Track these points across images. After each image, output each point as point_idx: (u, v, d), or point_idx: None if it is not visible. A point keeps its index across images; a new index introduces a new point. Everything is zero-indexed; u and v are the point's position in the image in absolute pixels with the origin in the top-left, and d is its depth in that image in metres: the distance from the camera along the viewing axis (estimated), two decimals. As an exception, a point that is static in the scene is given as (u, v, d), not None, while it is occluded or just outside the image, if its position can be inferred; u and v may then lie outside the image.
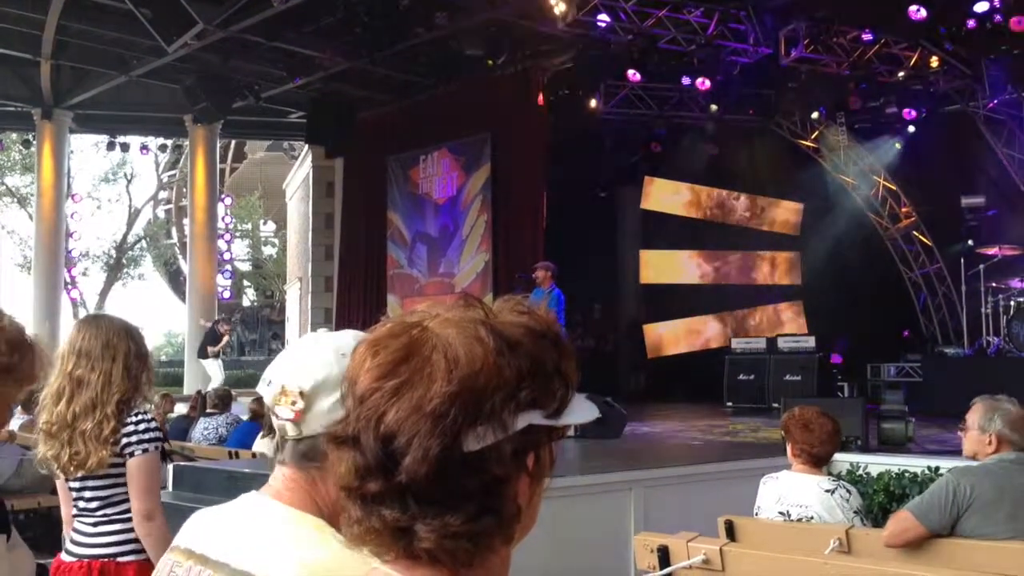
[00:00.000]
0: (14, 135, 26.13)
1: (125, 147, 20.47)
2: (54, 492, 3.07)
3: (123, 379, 2.82)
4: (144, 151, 21.69)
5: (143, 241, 35.51)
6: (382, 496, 0.90)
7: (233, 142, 30.96)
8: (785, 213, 16.86)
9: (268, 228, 36.06)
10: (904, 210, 15.65)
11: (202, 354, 15.43)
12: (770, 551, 3.47)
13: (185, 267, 23.82)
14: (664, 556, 3.52)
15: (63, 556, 2.88)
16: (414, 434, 0.87)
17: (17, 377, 1.87)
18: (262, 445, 1.51)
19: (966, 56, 12.47)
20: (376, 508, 0.90)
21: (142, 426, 2.83)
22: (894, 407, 7.77)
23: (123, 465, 2.82)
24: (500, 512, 0.91)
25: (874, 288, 15.27)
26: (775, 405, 9.84)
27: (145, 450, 2.82)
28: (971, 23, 11.49)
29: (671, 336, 16.41)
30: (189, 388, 16.31)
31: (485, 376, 0.89)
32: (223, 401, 9.19)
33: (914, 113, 13.63)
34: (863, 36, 12.61)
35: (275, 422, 1.44)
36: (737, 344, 12.86)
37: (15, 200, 32.23)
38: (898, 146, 14.53)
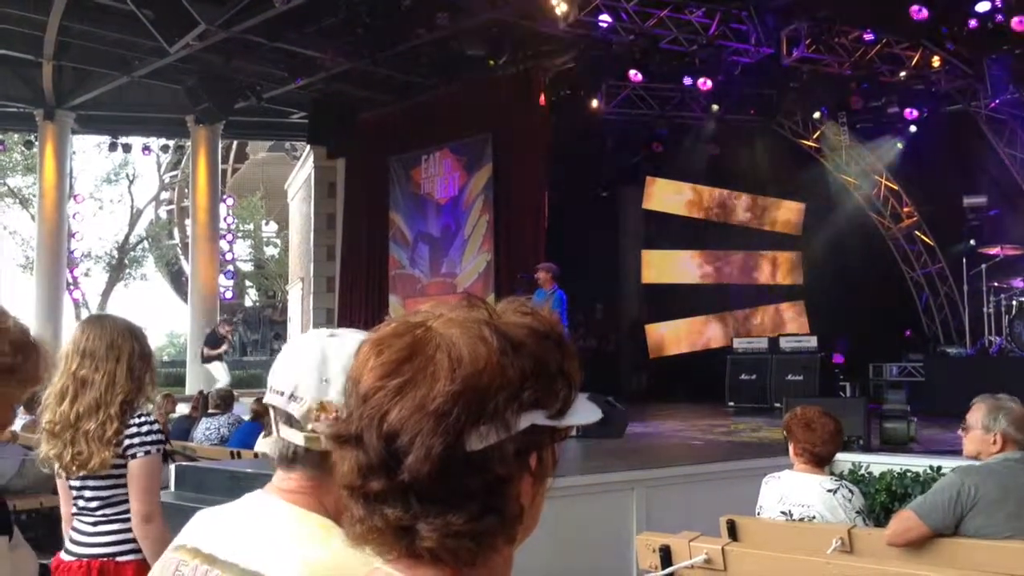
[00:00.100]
0: (16, 136, 26.15)
1: (127, 148, 20.51)
2: (56, 492, 3.07)
3: (127, 380, 2.82)
4: (146, 152, 21.71)
5: (145, 242, 35.54)
6: (385, 495, 0.90)
7: (235, 143, 31.00)
8: (787, 213, 16.86)
9: (270, 228, 36.09)
10: (906, 210, 15.64)
11: (204, 359, 15.43)
12: (772, 551, 3.47)
13: (187, 267, 23.86)
14: (666, 556, 3.52)
15: (62, 555, 2.88)
16: (417, 433, 0.88)
17: (21, 378, 1.88)
18: (264, 445, 1.52)
19: (968, 56, 12.46)
20: (378, 507, 0.90)
21: (144, 428, 2.84)
22: (896, 407, 7.77)
23: (124, 466, 2.82)
24: (503, 512, 0.92)
25: (876, 288, 15.26)
26: (777, 405, 9.83)
27: (147, 452, 2.83)
28: (973, 23, 11.48)
29: (673, 336, 16.40)
30: (191, 388, 16.32)
31: (488, 376, 0.89)
32: (225, 401, 9.20)
33: (916, 113, 13.62)
34: (865, 36, 12.61)
35: (294, 434, 1.41)
36: (739, 344, 12.85)
37: (17, 201, 32.26)
38: (900, 146, 14.52)
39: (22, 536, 1.96)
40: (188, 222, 23.68)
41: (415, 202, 15.80)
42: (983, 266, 11.91)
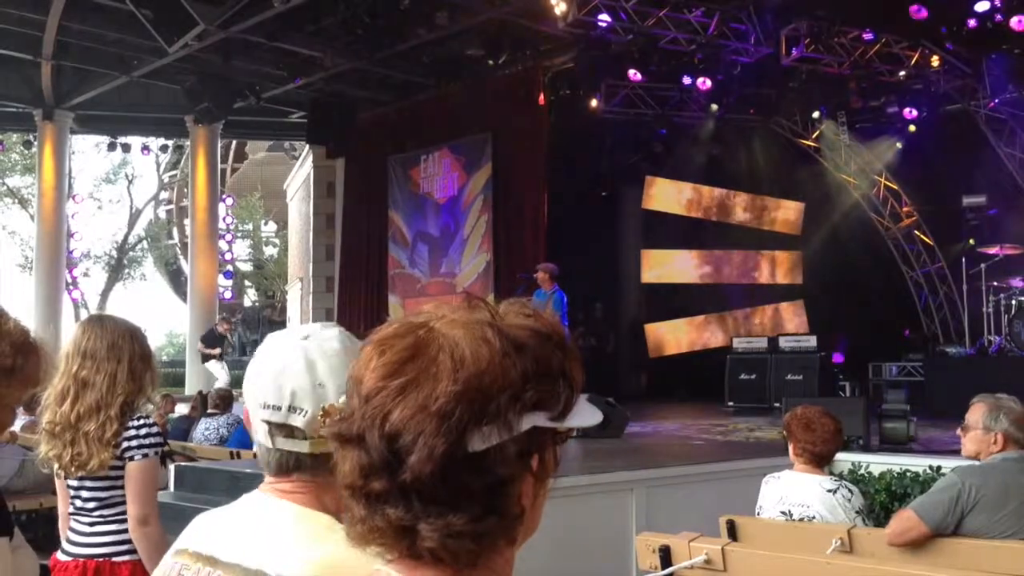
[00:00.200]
0: (15, 136, 26.15)
1: (126, 148, 20.48)
2: (55, 493, 3.08)
3: (128, 381, 2.82)
4: (145, 152, 21.69)
5: (144, 241, 35.53)
6: (386, 495, 0.90)
7: (234, 142, 30.99)
8: (786, 212, 16.86)
9: (269, 228, 36.08)
10: (905, 209, 15.64)
11: (202, 358, 15.43)
12: (772, 551, 3.47)
13: (186, 267, 23.84)
14: (666, 556, 3.52)
15: (59, 555, 2.88)
16: (419, 433, 0.88)
17: (21, 379, 1.88)
18: (259, 458, 1.51)
19: (967, 55, 12.47)
20: (380, 507, 0.90)
21: (143, 430, 2.84)
22: (896, 406, 7.75)
23: (122, 467, 2.82)
24: (504, 513, 0.92)
25: (875, 288, 15.27)
26: (776, 405, 9.84)
27: (145, 455, 2.83)
28: (972, 22, 11.48)
29: (672, 336, 16.40)
30: (191, 389, 16.32)
31: (491, 377, 0.89)
32: (224, 401, 9.20)
33: (915, 112, 13.63)
34: (864, 35, 12.61)
35: (297, 444, 1.40)
36: (738, 344, 12.85)
37: (16, 201, 32.25)
38: (899, 145, 14.52)
39: (22, 537, 1.96)
40: (187, 222, 23.67)
41: (414, 202, 15.80)
42: (982, 266, 11.92)
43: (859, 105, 13.86)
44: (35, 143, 18.61)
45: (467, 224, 14.82)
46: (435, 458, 0.87)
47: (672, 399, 13.94)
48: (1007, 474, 3.67)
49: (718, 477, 5.99)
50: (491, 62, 13.64)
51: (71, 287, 24.13)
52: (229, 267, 28.27)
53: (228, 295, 27.60)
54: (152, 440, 2.85)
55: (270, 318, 30.43)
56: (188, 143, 20.12)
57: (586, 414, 0.96)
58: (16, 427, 6.65)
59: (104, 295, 33.57)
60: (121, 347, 2.84)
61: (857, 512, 4.04)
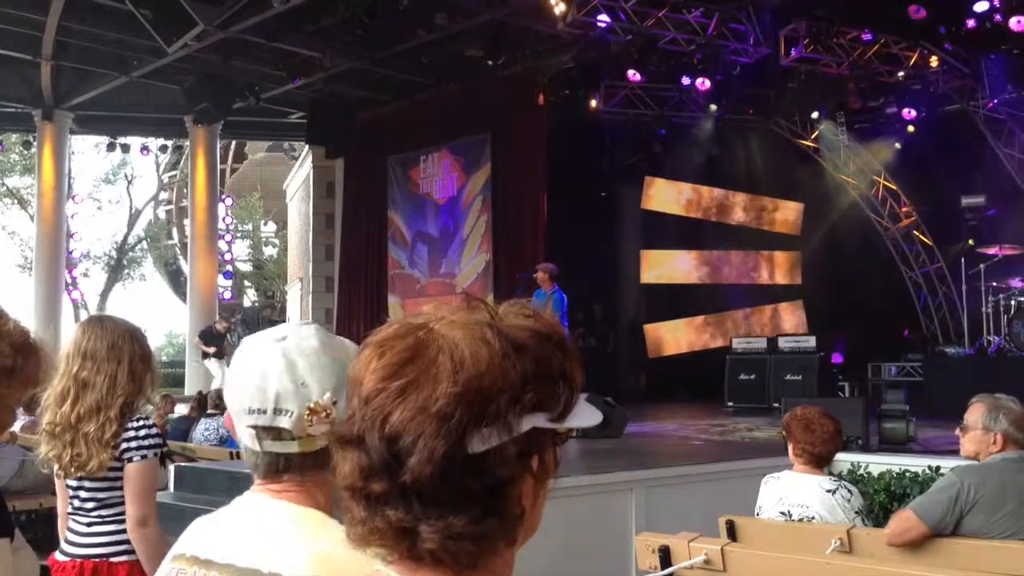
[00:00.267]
0: (14, 136, 26.13)
1: (125, 148, 20.49)
2: (55, 493, 3.08)
3: (128, 382, 2.82)
4: (144, 152, 21.70)
5: (144, 242, 35.52)
6: (386, 496, 0.90)
7: (233, 143, 30.97)
8: (785, 213, 16.86)
9: (269, 228, 36.07)
10: (904, 210, 15.65)
11: (202, 355, 15.44)
12: (771, 551, 3.47)
13: (186, 268, 23.82)
14: (665, 556, 3.52)
15: (57, 555, 2.88)
16: (419, 434, 0.88)
17: (21, 380, 1.88)
18: (248, 463, 1.52)
19: (966, 56, 12.48)
20: (380, 508, 0.90)
21: (143, 432, 2.83)
22: (895, 406, 7.76)
23: (121, 468, 2.82)
24: (504, 514, 0.92)
25: (874, 288, 15.29)
26: (776, 405, 9.84)
27: (144, 456, 2.83)
28: (971, 23, 11.49)
29: (672, 336, 16.40)
30: (190, 389, 16.31)
31: (491, 378, 0.89)
32: (224, 402, 9.18)
33: (914, 113, 13.63)
34: (863, 36, 12.62)
35: (286, 445, 1.41)
36: (738, 344, 12.85)
37: (16, 201, 32.25)
38: (898, 146, 14.54)
39: (23, 538, 1.96)
40: (187, 222, 23.66)
41: (414, 202, 15.80)
42: (981, 266, 11.92)
43: (858, 105, 13.87)
44: (34, 143, 18.60)
45: (466, 224, 14.83)
46: (435, 460, 0.87)
47: (672, 399, 13.94)
48: (1005, 474, 3.67)
49: (717, 477, 5.99)
50: (490, 62, 13.64)
51: (71, 287, 24.13)
52: (229, 267, 28.25)
53: (228, 295, 27.58)
54: (151, 441, 2.85)
55: (270, 318, 30.39)
56: (187, 143, 20.11)
57: (586, 414, 0.96)
58: (16, 427, 6.65)
59: (104, 295, 33.57)
60: (121, 348, 2.84)
61: (856, 512, 4.04)
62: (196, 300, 18.24)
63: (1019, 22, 11.06)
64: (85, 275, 31.70)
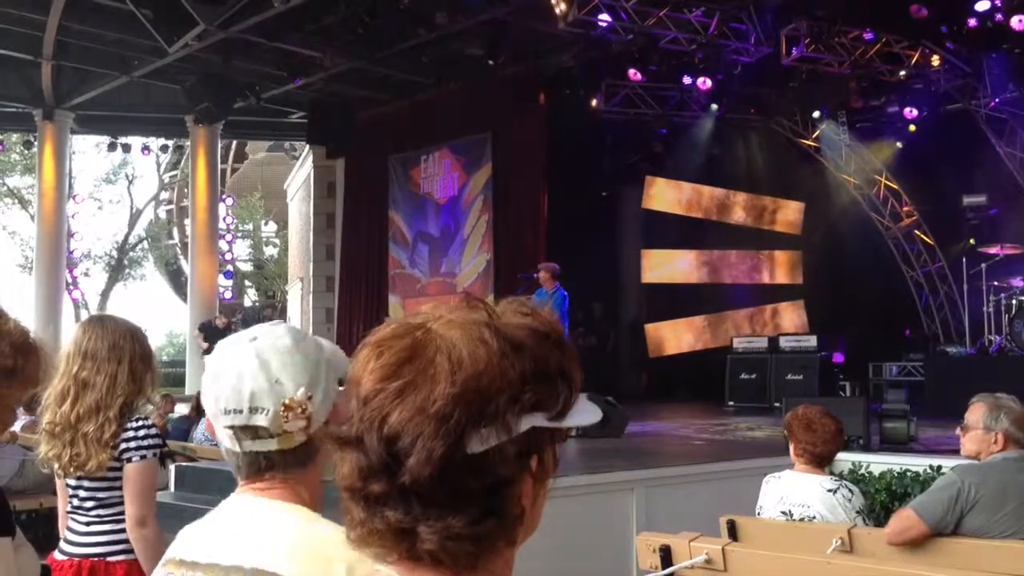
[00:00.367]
0: (15, 136, 26.14)
1: (126, 148, 20.49)
2: (56, 493, 3.08)
3: (128, 382, 2.82)
4: (145, 152, 21.69)
5: (144, 242, 35.55)
6: (385, 497, 0.89)
7: (234, 142, 30.99)
8: (786, 212, 16.86)
9: (269, 228, 36.09)
10: (905, 209, 15.64)
11: (202, 350, 15.46)
12: (772, 551, 3.47)
13: (186, 267, 23.84)
14: (666, 556, 3.52)
15: (56, 555, 2.89)
16: (418, 435, 0.87)
17: (21, 380, 1.88)
18: (229, 464, 1.54)
19: (967, 55, 12.48)
20: (379, 509, 0.90)
21: (142, 432, 2.83)
22: (896, 406, 7.76)
23: (120, 468, 2.82)
24: (503, 514, 0.91)
25: (875, 287, 15.27)
26: (777, 404, 9.83)
27: (143, 456, 2.83)
28: (972, 22, 11.49)
29: (673, 335, 16.39)
30: (191, 389, 16.32)
31: (489, 378, 0.89)
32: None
33: (915, 112, 13.63)
34: (864, 35, 12.61)
35: (264, 443, 1.42)
36: (739, 343, 12.85)
37: (16, 201, 32.26)
38: (899, 145, 14.53)
39: (23, 536, 1.96)
40: (187, 222, 23.67)
41: (414, 202, 15.80)
42: (983, 265, 11.90)
43: (859, 105, 13.86)
44: (35, 143, 18.61)
45: (467, 224, 14.83)
46: (434, 460, 0.87)
47: (672, 399, 13.93)
48: (1006, 473, 3.66)
49: (718, 477, 5.99)
50: (491, 62, 13.63)
51: (71, 287, 24.15)
52: (229, 267, 28.28)
53: (228, 295, 27.60)
54: (151, 441, 2.85)
55: (270, 318, 30.41)
56: (188, 143, 20.12)
57: (585, 413, 0.96)
58: (17, 427, 6.65)
59: (104, 295, 33.59)
60: (122, 348, 2.84)
61: (858, 512, 4.04)
62: (197, 300, 18.25)
63: (1020, 21, 11.05)
64: (86, 275, 31.74)
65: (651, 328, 16.19)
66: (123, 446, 2.80)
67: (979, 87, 12.97)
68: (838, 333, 13.71)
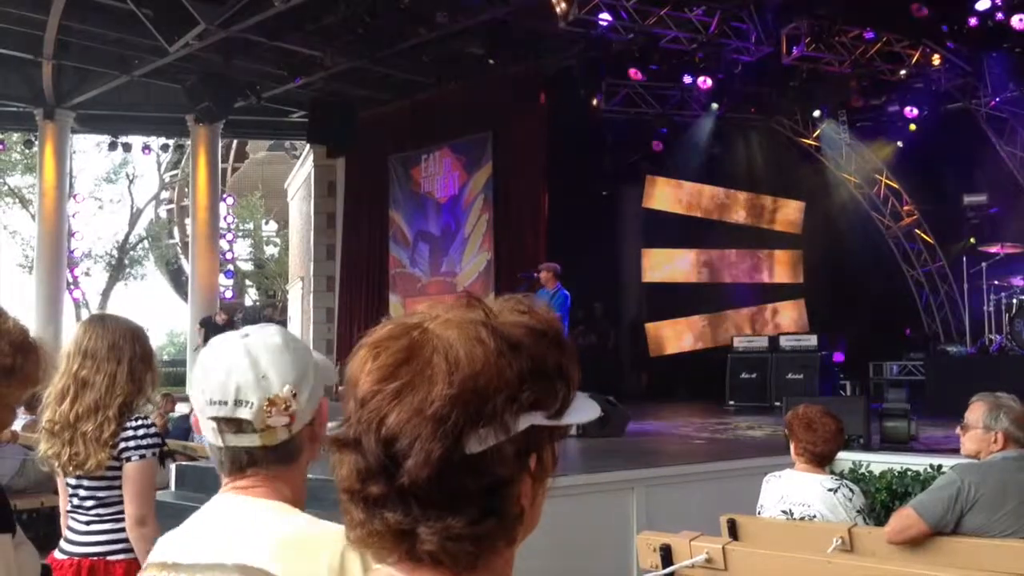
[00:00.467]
0: (16, 135, 26.15)
1: (127, 147, 20.48)
2: (56, 492, 3.08)
3: (127, 381, 2.82)
4: (146, 151, 21.69)
5: (145, 241, 35.56)
6: (384, 499, 0.89)
7: (235, 142, 30.99)
8: (787, 211, 16.86)
9: (270, 228, 36.09)
10: (906, 208, 15.64)
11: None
12: (773, 550, 3.47)
13: (187, 267, 23.85)
14: (667, 555, 3.52)
15: (56, 554, 2.89)
16: (416, 437, 0.87)
17: (20, 379, 1.88)
18: (213, 460, 1.57)
19: (968, 54, 12.47)
20: (378, 511, 0.90)
21: (141, 431, 2.84)
22: (896, 405, 7.75)
23: (120, 468, 2.82)
24: (503, 514, 0.91)
25: (876, 286, 15.27)
26: (777, 404, 9.83)
27: (142, 456, 2.83)
28: (973, 21, 11.48)
29: (673, 335, 16.39)
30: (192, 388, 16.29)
31: (486, 378, 0.89)
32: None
33: (916, 111, 13.62)
34: (865, 34, 12.61)
35: (247, 438, 1.44)
36: (739, 343, 12.84)
37: (17, 200, 32.26)
38: (899, 144, 14.52)
39: (24, 534, 1.97)
40: (188, 221, 23.68)
41: (415, 201, 15.80)
42: (983, 264, 11.90)
43: (860, 104, 13.86)
44: (36, 143, 18.61)
45: (468, 223, 14.82)
46: (432, 462, 0.87)
47: (673, 398, 13.93)
48: (1006, 473, 3.66)
49: (719, 476, 5.99)
50: (492, 61, 13.63)
51: (72, 287, 24.15)
52: (230, 266, 28.28)
53: (229, 294, 27.61)
54: (150, 441, 2.85)
55: (271, 317, 30.42)
56: (189, 142, 20.12)
57: (584, 410, 0.96)
58: (16, 426, 6.66)
59: (105, 295, 33.59)
60: (122, 347, 2.84)
61: (858, 512, 4.04)
62: (197, 299, 18.25)
63: (1021, 20, 11.05)
64: (86, 274, 31.75)
65: (651, 327, 16.19)
66: (122, 445, 2.80)
67: (980, 86, 12.97)
68: (838, 332, 13.70)
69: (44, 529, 5.24)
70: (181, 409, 11.12)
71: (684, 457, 6.84)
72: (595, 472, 5.47)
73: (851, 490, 4.10)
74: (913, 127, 13.86)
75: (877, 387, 13.30)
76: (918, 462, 5.90)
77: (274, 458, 1.45)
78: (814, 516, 3.99)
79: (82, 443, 2.75)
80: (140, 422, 2.85)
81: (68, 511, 2.92)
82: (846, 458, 5.99)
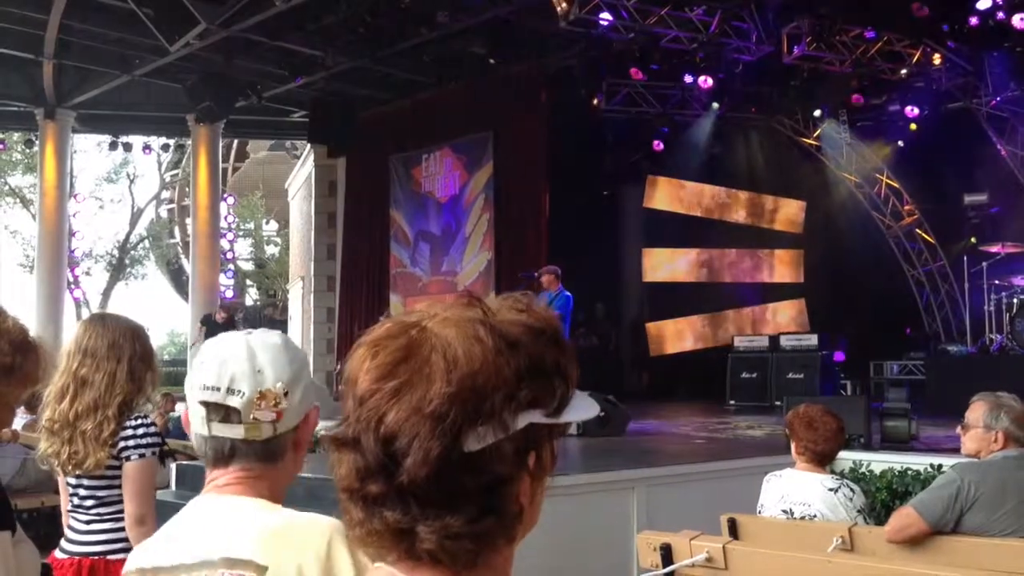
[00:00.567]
0: (16, 135, 26.15)
1: (128, 147, 20.47)
2: (57, 491, 3.09)
3: (127, 380, 2.82)
4: (146, 151, 21.68)
5: (146, 241, 35.56)
6: (383, 498, 0.90)
7: (235, 141, 30.98)
8: (788, 211, 16.85)
9: (271, 227, 36.10)
10: (907, 208, 15.64)
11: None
12: (773, 549, 3.47)
13: (188, 266, 23.85)
14: (667, 554, 3.52)
15: (57, 553, 2.89)
16: (414, 435, 0.87)
17: (20, 378, 1.88)
18: (198, 449, 1.60)
19: (968, 53, 12.47)
20: (377, 510, 0.90)
21: (141, 430, 2.83)
22: (897, 405, 7.76)
23: (119, 467, 2.82)
24: (502, 512, 0.91)
25: (876, 286, 15.27)
26: (778, 403, 9.82)
27: (142, 455, 2.83)
28: (973, 20, 11.48)
29: (674, 334, 16.40)
30: (192, 387, 16.27)
31: (484, 376, 0.89)
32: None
33: (916, 111, 13.62)
34: (866, 34, 12.61)
35: (232, 429, 1.46)
36: (740, 342, 12.84)
37: (18, 200, 32.27)
38: (900, 144, 14.52)
39: (23, 532, 1.97)
40: (189, 221, 23.69)
41: (416, 201, 15.79)
42: (984, 264, 11.89)
43: (861, 103, 13.86)
44: (37, 142, 18.60)
45: (468, 223, 14.82)
46: (431, 460, 0.87)
47: (673, 398, 13.93)
48: (1006, 472, 3.66)
49: (719, 475, 5.99)
50: (492, 61, 13.62)
51: (73, 286, 24.17)
52: (231, 266, 28.29)
53: (230, 294, 27.62)
54: (149, 440, 2.85)
55: (271, 317, 30.42)
56: (189, 142, 20.12)
57: (582, 408, 0.96)
58: (18, 426, 6.67)
59: (106, 294, 33.60)
60: (121, 346, 2.84)
61: (859, 511, 4.04)
62: (198, 299, 18.25)
63: (1022, 20, 11.04)
64: (87, 274, 31.77)
65: (652, 327, 16.19)
66: (122, 444, 2.80)
67: (980, 86, 12.97)
68: (839, 332, 13.70)
69: (45, 528, 5.24)
70: (181, 408, 11.11)
71: (684, 457, 6.83)
72: (596, 471, 5.47)
73: (852, 490, 4.10)
74: (914, 126, 13.85)
75: (878, 387, 13.29)
76: (918, 461, 5.90)
77: (256, 455, 1.47)
78: (814, 515, 3.99)
79: (81, 442, 2.75)
80: (140, 421, 2.84)
81: (69, 510, 2.92)
82: (847, 457, 5.99)
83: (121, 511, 2.83)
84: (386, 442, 0.88)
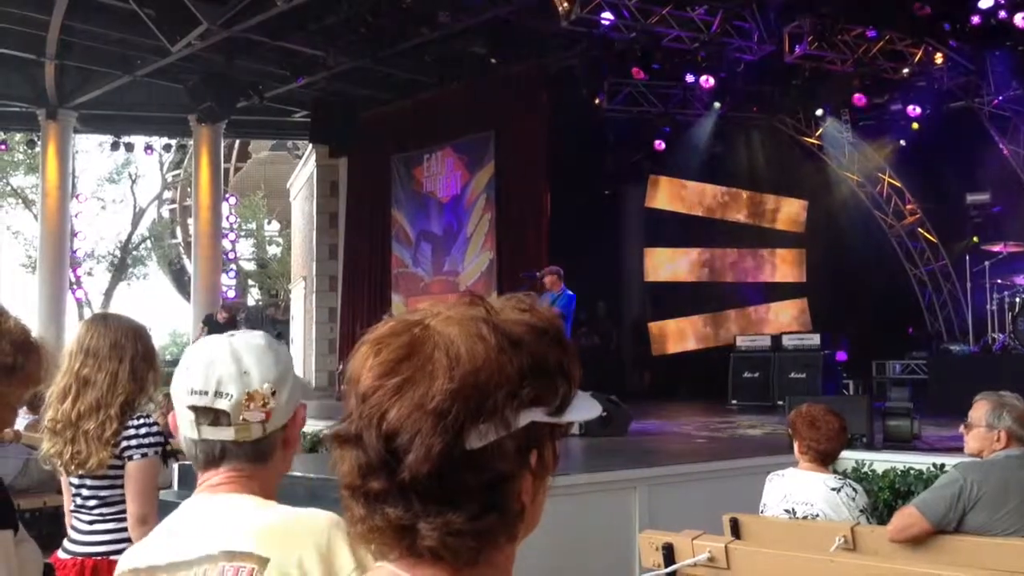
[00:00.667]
0: (18, 135, 26.16)
1: (129, 147, 20.48)
2: (59, 491, 3.09)
3: (129, 380, 2.82)
4: (148, 151, 21.69)
5: (148, 241, 35.55)
6: (385, 494, 0.90)
7: (237, 142, 30.99)
8: (790, 210, 16.85)
9: (272, 227, 36.09)
10: (909, 207, 15.63)
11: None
12: (775, 549, 3.46)
13: (190, 267, 23.88)
14: (669, 554, 3.51)
15: (59, 553, 2.89)
16: (416, 432, 0.87)
17: (21, 378, 1.88)
18: (187, 453, 1.61)
19: (970, 52, 12.46)
20: (379, 506, 0.90)
21: (143, 430, 2.84)
22: (899, 404, 7.75)
23: (122, 467, 2.82)
24: (503, 510, 0.92)
25: (879, 285, 15.26)
26: (780, 403, 9.82)
27: (144, 454, 2.83)
28: (975, 19, 11.47)
29: (676, 334, 16.39)
30: (194, 387, 16.28)
31: (487, 373, 0.89)
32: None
33: (918, 110, 13.61)
34: (867, 33, 12.60)
35: (222, 431, 1.47)
36: (742, 342, 12.84)
37: (20, 200, 32.30)
38: (902, 143, 14.51)
39: (26, 531, 1.97)
40: (191, 221, 23.69)
41: (417, 201, 15.80)
42: (986, 263, 11.88)
43: (862, 102, 13.84)
44: (38, 143, 18.62)
45: (470, 223, 14.82)
46: (433, 457, 0.87)
47: (675, 397, 13.92)
48: (1008, 471, 3.66)
49: (721, 475, 5.98)
50: (494, 60, 13.62)
51: (75, 286, 24.20)
52: (233, 266, 28.30)
53: (232, 294, 27.63)
54: (152, 439, 2.85)
55: (273, 317, 30.42)
56: (191, 142, 20.13)
57: (584, 407, 0.96)
58: (19, 426, 6.67)
59: (108, 294, 33.60)
60: (123, 346, 2.84)
61: (861, 511, 4.03)
62: (200, 299, 18.26)
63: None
64: (89, 274, 31.75)
65: (654, 327, 16.19)
66: (124, 444, 2.80)
67: (982, 85, 12.96)
68: (841, 331, 13.69)
69: (47, 528, 5.25)
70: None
71: (686, 456, 6.83)
72: (598, 471, 5.47)
73: (854, 489, 4.10)
74: (916, 126, 13.84)
75: (880, 386, 13.28)
76: (921, 461, 5.89)
77: (246, 455, 1.48)
78: (817, 515, 3.99)
79: (84, 442, 2.75)
80: (142, 420, 2.85)
81: (71, 511, 2.92)
82: (849, 457, 5.98)
83: (124, 511, 2.83)
84: (388, 438, 0.88)
